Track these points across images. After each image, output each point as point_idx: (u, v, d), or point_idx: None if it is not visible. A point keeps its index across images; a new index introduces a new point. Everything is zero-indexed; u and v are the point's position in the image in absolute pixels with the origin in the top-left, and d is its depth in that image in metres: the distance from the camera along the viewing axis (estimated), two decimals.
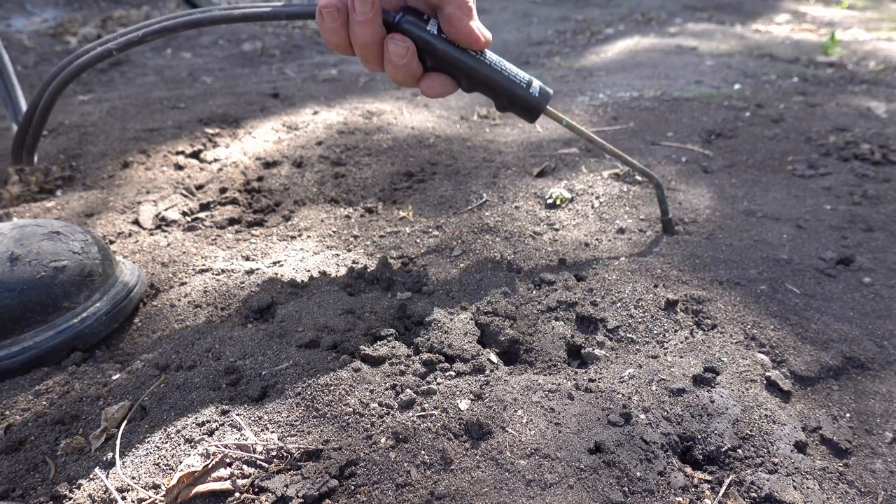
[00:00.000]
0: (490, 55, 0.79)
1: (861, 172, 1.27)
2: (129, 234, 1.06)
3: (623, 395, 0.67)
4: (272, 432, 0.61)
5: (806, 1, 3.66)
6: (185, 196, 1.18)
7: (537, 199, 1.13)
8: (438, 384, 0.69)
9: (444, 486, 0.56)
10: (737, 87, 1.88)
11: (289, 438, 0.60)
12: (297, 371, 0.68)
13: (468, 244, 0.97)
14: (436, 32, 0.75)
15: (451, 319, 0.80)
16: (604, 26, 2.94)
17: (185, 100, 1.76)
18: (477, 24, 0.75)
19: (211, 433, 0.61)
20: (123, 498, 0.55)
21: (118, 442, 0.61)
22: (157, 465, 0.59)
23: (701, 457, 0.64)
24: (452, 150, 1.36)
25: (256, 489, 0.56)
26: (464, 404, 0.65)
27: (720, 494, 0.60)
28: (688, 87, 1.88)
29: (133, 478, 0.57)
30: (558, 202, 1.12)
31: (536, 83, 0.83)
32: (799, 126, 1.51)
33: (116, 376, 0.72)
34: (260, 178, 1.23)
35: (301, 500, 0.54)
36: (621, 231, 1.04)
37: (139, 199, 1.15)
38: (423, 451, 0.59)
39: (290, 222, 1.10)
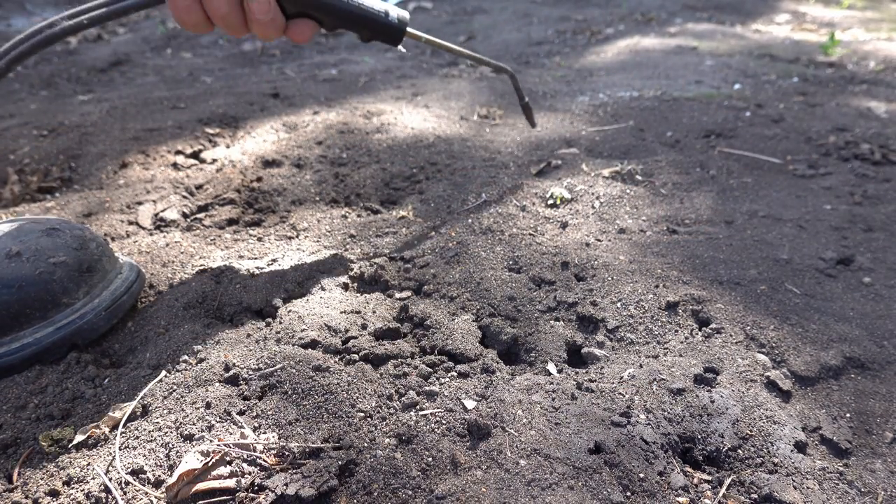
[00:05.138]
0: None
1: (861, 172, 1.27)
2: (128, 235, 1.05)
3: (623, 395, 0.67)
4: (272, 431, 0.61)
5: (806, 1, 3.66)
6: (184, 196, 1.18)
7: (537, 199, 1.13)
8: (441, 385, 0.69)
9: (445, 486, 0.56)
10: (737, 86, 1.88)
11: (289, 437, 0.60)
12: (298, 371, 0.68)
13: (468, 244, 0.97)
14: None
15: (453, 320, 0.80)
16: (604, 26, 2.94)
17: (185, 100, 1.76)
18: None
19: (211, 431, 0.61)
20: (124, 495, 0.55)
21: (118, 440, 0.61)
22: (157, 463, 0.58)
23: (701, 457, 0.64)
24: (452, 150, 1.36)
25: (256, 487, 0.56)
26: (465, 405, 0.65)
27: (720, 494, 0.59)
28: (688, 86, 1.88)
29: (133, 476, 0.57)
30: (558, 202, 1.12)
31: (395, 12, 0.87)
32: (799, 126, 1.51)
33: (115, 375, 0.72)
34: (259, 179, 1.23)
35: (301, 499, 0.54)
36: (622, 231, 1.04)
37: (138, 199, 1.15)
38: (424, 452, 0.59)
39: (289, 222, 1.10)
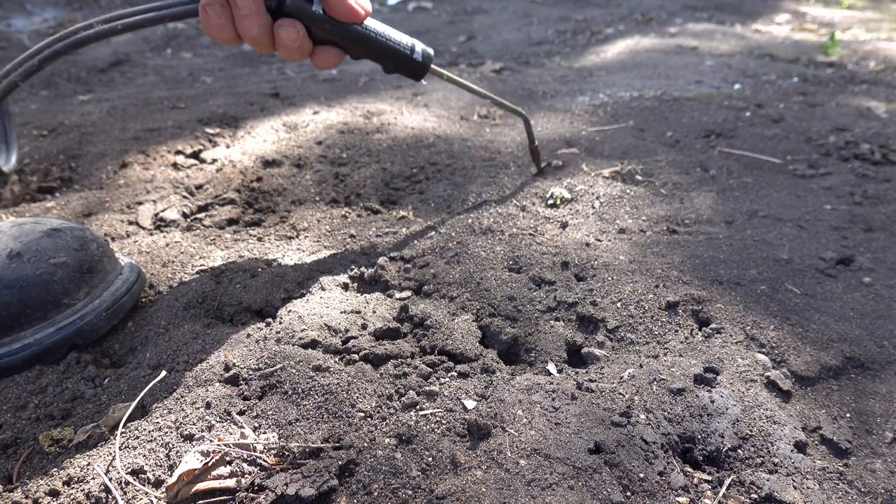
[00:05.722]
0: (374, 25, 0.83)
1: (861, 172, 1.27)
2: (128, 235, 1.05)
3: (623, 395, 0.67)
4: (272, 431, 0.61)
5: (806, 1, 3.66)
6: (184, 196, 1.18)
7: (537, 199, 1.13)
8: (441, 385, 0.69)
9: (445, 486, 0.56)
10: (737, 86, 1.88)
11: (289, 437, 0.60)
12: (298, 371, 0.68)
13: (468, 244, 0.97)
14: (321, 12, 0.76)
15: (453, 320, 0.80)
16: (604, 26, 2.94)
17: (185, 100, 1.76)
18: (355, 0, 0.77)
19: (211, 431, 0.61)
20: (124, 495, 0.55)
21: (118, 440, 0.61)
22: (157, 463, 0.59)
23: (701, 457, 0.64)
24: (452, 150, 1.36)
25: (256, 487, 0.56)
26: (465, 405, 0.65)
27: (720, 494, 0.59)
28: (688, 86, 1.88)
29: (133, 476, 0.57)
30: (558, 202, 1.12)
31: (419, 47, 0.89)
32: (799, 126, 1.51)
33: (115, 375, 0.72)
34: (259, 179, 1.23)
35: (301, 499, 0.54)
36: (622, 231, 1.04)
37: (138, 199, 1.15)
38: (424, 452, 0.59)
39: (289, 222, 1.10)
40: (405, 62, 0.88)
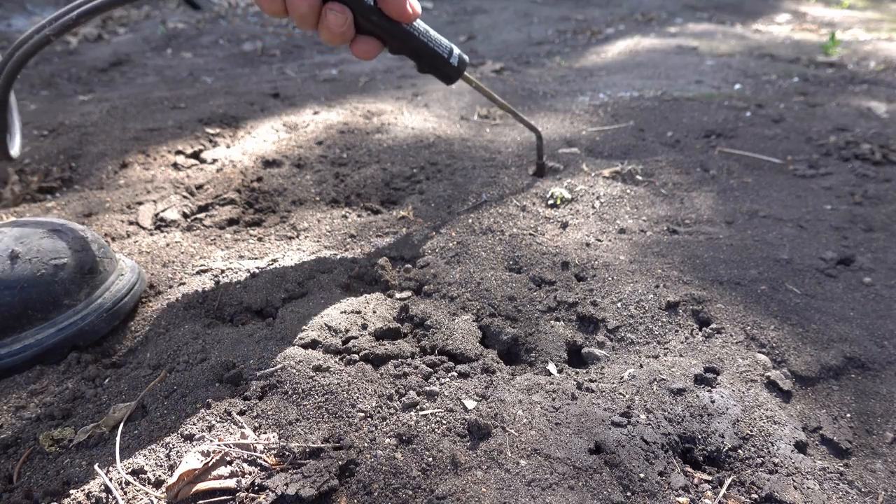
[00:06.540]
0: (419, 24, 0.84)
1: (861, 172, 1.27)
2: (129, 235, 1.05)
3: (623, 395, 0.67)
4: (272, 431, 0.61)
5: (806, 1, 3.66)
6: (184, 196, 1.18)
7: (537, 199, 1.13)
8: (441, 385, 0.69)
9: (446, 486, 0.56)
10: (737, 86, 1.88)
11: (289, 437, 0.60)
12: (298, 371, 0.68)
13: (468, 244, 0.97)
14: (372, 3, 0.77)
15: (453, 320, 0.80)
16: (604, 26, 2.94)
17: (186, 100, 1.76)
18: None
19: (211, 431, 0.61)
20: (124, 495, 0.55)
21: (118, 440, 0.61)
22: (158, 463, 0.59)
23: (701, 457, 0.64)
24: (452, 150, 1.36)
25: (257, 487, 0.56)
26: (465, 405, 0.65)
27: (720, 494, 0.59)
28: (688, 86, 1.88)
29: (133, 476, 0.57)
30: (559, 202, 1.12)
31: (457, 52, 0.91)
32: (799, 126, 1.51)
33: (115, 375, 0.72)
34: (259, 179, 1.23)
35: (301, 499, 0.54)
36: (622, 231, 1.04)
37: (139, 199, 1.15)
38: (424, 452, 0.59)
39: (289, 222, 1.10)
40: (441, 65, 0.89)
